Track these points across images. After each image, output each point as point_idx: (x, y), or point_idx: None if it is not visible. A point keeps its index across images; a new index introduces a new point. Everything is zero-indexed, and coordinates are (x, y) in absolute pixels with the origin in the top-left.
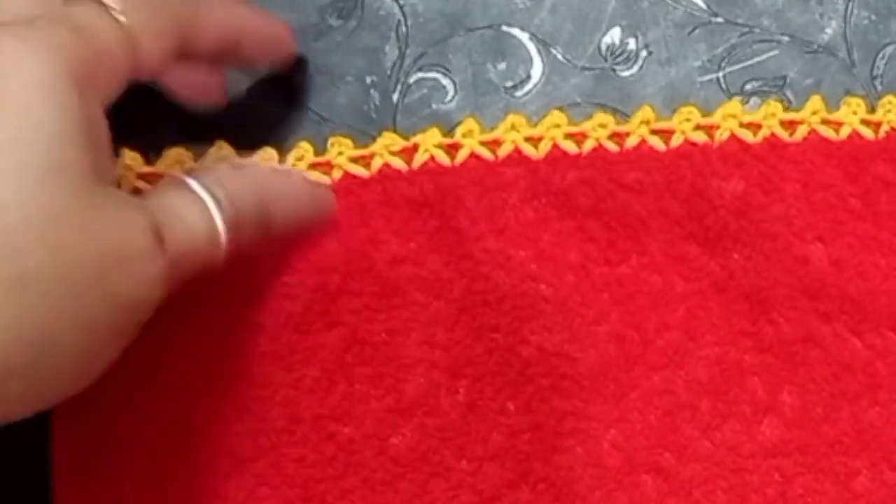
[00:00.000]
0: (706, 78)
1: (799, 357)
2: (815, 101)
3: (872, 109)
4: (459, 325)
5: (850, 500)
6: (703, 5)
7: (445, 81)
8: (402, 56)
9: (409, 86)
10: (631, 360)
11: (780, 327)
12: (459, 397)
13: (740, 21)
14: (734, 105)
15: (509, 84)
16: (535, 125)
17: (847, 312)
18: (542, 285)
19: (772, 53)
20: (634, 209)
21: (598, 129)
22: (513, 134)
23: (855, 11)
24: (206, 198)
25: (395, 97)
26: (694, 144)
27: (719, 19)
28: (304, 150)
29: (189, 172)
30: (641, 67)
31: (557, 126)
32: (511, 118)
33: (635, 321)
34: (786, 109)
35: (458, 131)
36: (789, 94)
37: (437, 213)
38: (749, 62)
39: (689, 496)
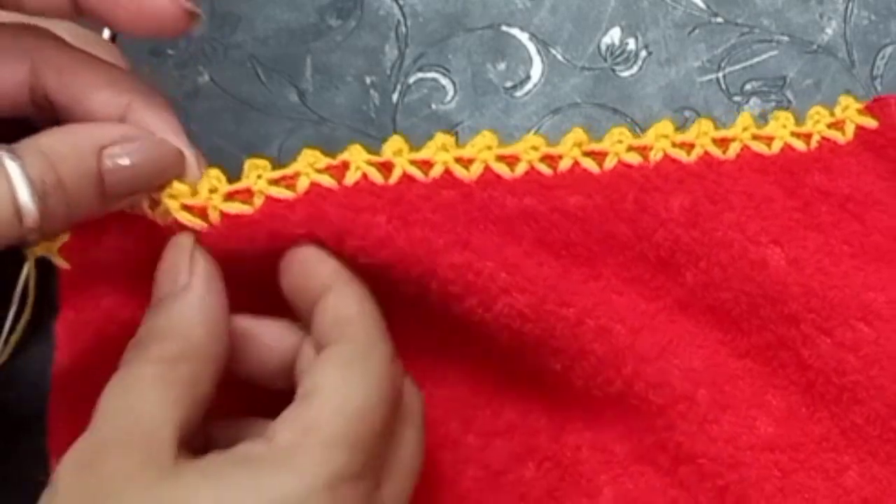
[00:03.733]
0: (706, 78)
1: (775, 361)
2: (745, 118)
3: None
4: (454, 330)
5: (842, 497)
6: (702, 5)
7: (445, 81)
8: (401, 56)
9: (409, 86)
10: (620, 354)
11: (752, 336)
12: (466, 368)
13: (740, 21)
14: (665, 125)
15: (509, 84)
16: (465, 146)
17: (814, 310)
18: (515, 293)
19: (771, 53)
20: (580, 237)
21: (531, 151)
22: (443, 155)
23: (855, 12)
24: (14, 174)
25: (395, 97)
26: (629, 166)
27: (719, 19)
28: (216, 180)
29: (8, 145)
30: (641, 68)
31: (489, 148)
32: (440, 138)
33: (620, 316)
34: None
35: (388, 149)
36: (789, 94)
37: (372, 234)
38: (749, 62)
39: (690, 490)
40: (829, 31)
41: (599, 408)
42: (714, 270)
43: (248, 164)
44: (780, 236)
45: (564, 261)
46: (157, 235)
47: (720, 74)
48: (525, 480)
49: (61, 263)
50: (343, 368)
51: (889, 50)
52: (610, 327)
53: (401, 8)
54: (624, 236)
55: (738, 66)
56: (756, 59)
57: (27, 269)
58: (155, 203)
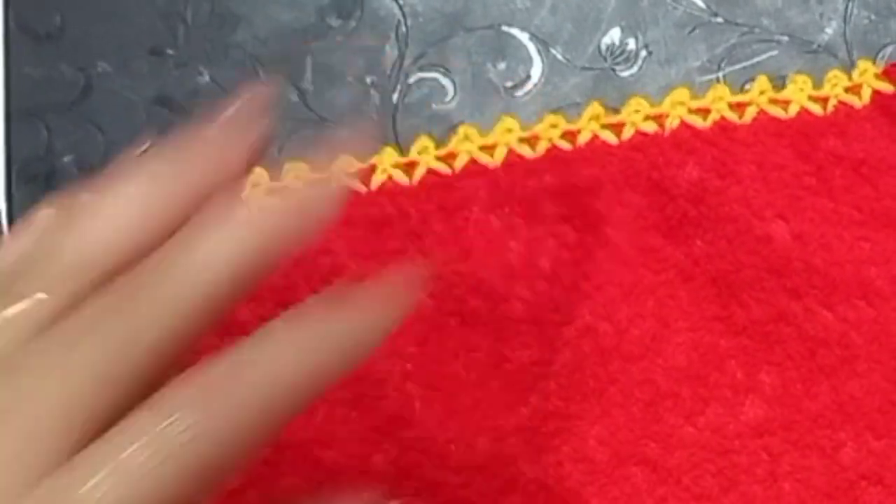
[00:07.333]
0: (706, 78)
1: (773, 336)
2: (762, 82)
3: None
4: (431, 341)
5: (838, 473)
6: (702, 5)
7: (445, 82)
8: (401, 56)
9: (409, 86)
10: (606, 353)
11: (751, 309)
12: (437, 407)
13: (740, 21)
14: (682, 92)
15: (509, 84)
16: (488, 134)
17: (816, 286)
18: (516, 302)
19: (771, 53)
20: (595, 206)
21: (550, 129)
22: (467, 145)
23: (855, 11)
24: None
25: (395, 97)
26: (645, 135)
27: (719, 19)
28: (259, 176)
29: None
30: (641, 67)
31: (510, 131)
32: (463, 129)
33: (606, 312)
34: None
35: (413, 149)
36: None
37: (398, 233)
38: (749, 62)
39: (679, 483)
40: (829, 30)
41: (578, 411)
42: (720, 242)
43: (287, 166)
44: (786, 209)
45: (579, 233)
46: None
47: (720, 74)
48: None
49: None
50: None
51: (889, 50)
52: (597, 326)
53: (401, 8)
54: (637, 206)
55: (738, 66)
56: (756, 59)
57: None
58: None
